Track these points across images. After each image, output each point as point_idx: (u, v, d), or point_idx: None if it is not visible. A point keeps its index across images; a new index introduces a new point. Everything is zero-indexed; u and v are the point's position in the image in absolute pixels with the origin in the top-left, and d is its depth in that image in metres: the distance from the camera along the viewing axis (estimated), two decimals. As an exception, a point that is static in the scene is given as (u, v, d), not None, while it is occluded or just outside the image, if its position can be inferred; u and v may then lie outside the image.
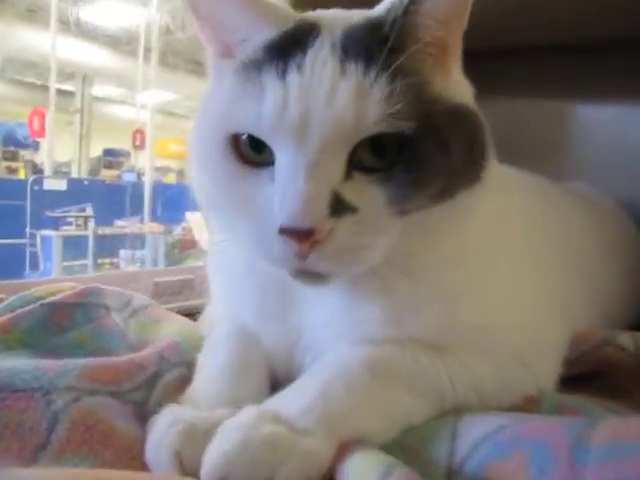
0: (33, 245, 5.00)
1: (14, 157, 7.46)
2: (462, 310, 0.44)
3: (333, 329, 0.44)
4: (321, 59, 0.38)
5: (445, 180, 0.40)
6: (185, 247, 4.93)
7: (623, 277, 0.78)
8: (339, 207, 0.37)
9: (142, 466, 0.39)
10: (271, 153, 0.39)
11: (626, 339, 0.57)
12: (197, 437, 0.37)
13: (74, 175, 7.75)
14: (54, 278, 1.34)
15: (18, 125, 7.52)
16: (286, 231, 0.36)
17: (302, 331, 0.46)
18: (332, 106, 0.37)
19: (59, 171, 7.63)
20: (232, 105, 0.39)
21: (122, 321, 0.54)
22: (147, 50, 7.08)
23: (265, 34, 0.40)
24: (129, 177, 7.35)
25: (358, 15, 0.42)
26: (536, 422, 0.38)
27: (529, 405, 0.47)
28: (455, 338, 0.44)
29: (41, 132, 6.58)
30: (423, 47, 0.40)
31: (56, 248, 4.77)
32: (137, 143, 7.25)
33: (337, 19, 0.42)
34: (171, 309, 0.63)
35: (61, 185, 5.55)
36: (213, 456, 0.34)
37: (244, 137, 0.39)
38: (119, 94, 9.57)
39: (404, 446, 0.39)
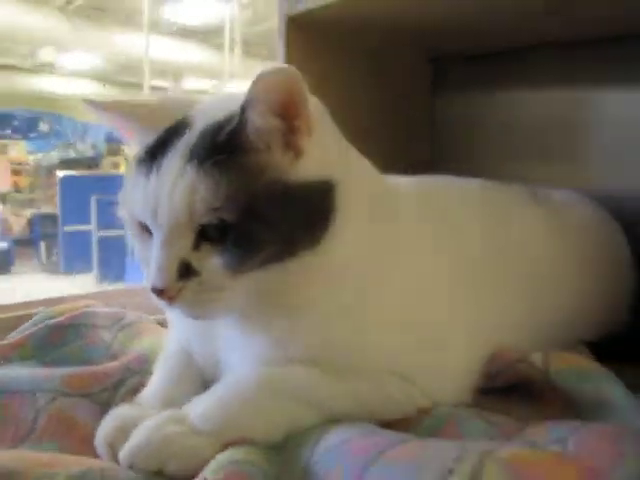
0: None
1: (116, 152, 8.08)
2: (334, 335, 0.52)
3: (236, 353, 0.55)
4: (171, 161, 0.48)
5: (275, 247, 0.48)
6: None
7: (589, 290, 0.78)
8: (187, 272, 0.48)
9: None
10: None
11: (537, 357, 0.62)
12: (127, 431, 0.49)
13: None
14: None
15: (119, 123, 8.11)
16: (151, 289, 0.48)
17: (220, 353, 0.57)
18: (171, 202, 0.47)
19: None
20: (130, 193, 0.51)
21: (110, 335, 0.69)
22: (231, 42, 7.34)
23: (150, 137, 0.51)
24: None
25: (224, 111, 0.50)
26: (371, 439, 0.45)
27: (421, 415, 0.54)
28: (332, 358, 0.52)
29: (139, 128, 7.08)
30: (256, 145, 0.48)
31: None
32: (225, 134, 7.59)
33: (208, 113, 0.51)
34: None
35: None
36: (125, 448, 0.47)
37: None
38: (207, 86, 10.00)
39: (281, 446, 0.48)
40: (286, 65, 0.46)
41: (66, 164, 6.91)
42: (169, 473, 0.46)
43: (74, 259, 5.57)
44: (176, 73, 9.26)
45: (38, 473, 0.43)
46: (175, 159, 0.48)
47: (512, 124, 1.26)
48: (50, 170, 7.05)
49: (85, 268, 5.31)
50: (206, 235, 0.48)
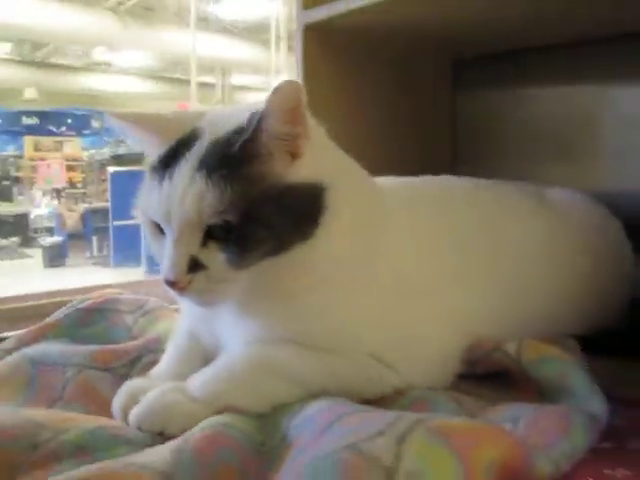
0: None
1: (165, 149, 8.31)
2: (318, 324, 0.59)
3: (234, 335, 0.62)
4: (182, 170, 0.54)
5: (272, 243, 0.54)
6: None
7: (586, 286, 0.80)
8: (196, 266, 0.55)
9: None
10: None
11: (511, 346, 0.66)
12: (137, 399, 0.57)
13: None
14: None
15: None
16: (164, 280, 0.56)
17: (221, 335, 0.64)
18: (182, 206, 0.54)
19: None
20: (145, 197, 0.58)
21: (132, 319, 0.79)
22: (277, 38, 7.44)
23: (162, 148, 0.58)
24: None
25: (231, 124, 0.56)
26: (337, 410, 0.51)
27: (397, 395, 0.61)
28: (316, 343, 0.59)
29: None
30: (263, 153, 0.54)
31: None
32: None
33: (216, 126, 0.57)
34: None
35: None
36: (133, 412, 0.56)
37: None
38: (255, 82, 10.17)
39: (267, 416, 0.56)
40: (292, 79, 0.54)
41: (117, 160, 7.15)
42: (169, 433, 0.54)
43: (123, 252, 5.81)
44: (224, 69, 9.47)
45: (60, 426, 0.52)
46: (186, 168, 0.55)
47: (533, 124, 1.28)
48: (102, 166, 7.34)
49: (134, 261, 5.53)
50: (212, 234, 0.55)
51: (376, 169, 0.74)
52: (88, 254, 6.67)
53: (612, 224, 0.93)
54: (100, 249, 6.60)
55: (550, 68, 1.23)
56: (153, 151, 0.60)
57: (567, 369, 0.63)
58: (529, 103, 1.30)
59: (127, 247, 5.68)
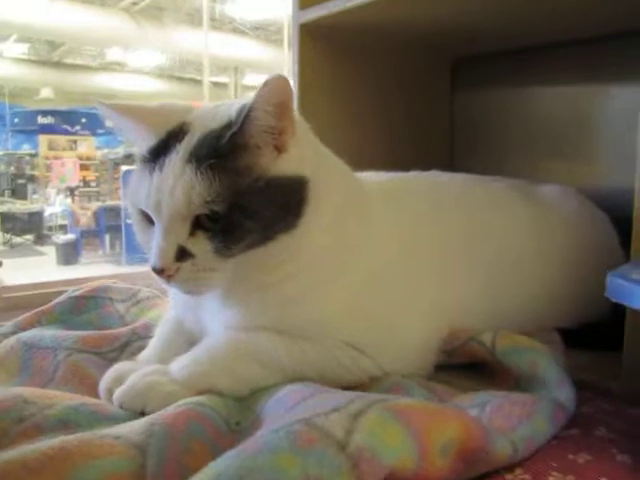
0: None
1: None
2: (299, 311, 0.61)
3: (217, 321, 0.65)
4: (172, 162, 0.56)
5: (257, 233, 0.56)
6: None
7: (570, 279, 0.82)
8: (184, 255, 0.57)
9: (102, 396, 0.65)
10: None
11: (486, 336, 0.67)
12: (122, 380, 0.60)
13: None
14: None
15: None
16: (152, 268, 0.58)
17: (205, 322, 0.67)
18: (172, 197, 0.56)
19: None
20: (135, 187, 0.60)
21: (124, 308, 0.82)
22: (289, 38, 7.42)
23: (152, 140, 0.60)
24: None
25: (219, 119, 0.58)
26: (307, 390, 0.54)
27: (373, 382, 0.62)
28: (295, 330, 0.61)
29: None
30: (251, 145, 0.56)
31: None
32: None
33: (204, 120, 0.59)
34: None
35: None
36: (117, 392, 0.58)
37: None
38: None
39: (243, 398, 0.58)
40: (281, 74, 0.55)
41: (131, 159, 7.18)
42: (149, 412, 0.56)
43: (136, 250, 5.83)
44: (237, 69, 9.52)
45: (45, 402, 0.55)
46: (176, 160, 0.57)
47: (531, 122, 1.30)
48: (116, 165, 7.40)
49: (146, 259, 5.55)
50: (200, 224, 0.57)
51: (372, 167, 0.76)
52: (101, 252, 6.73)
53: (600, 219, 0.94)
54: (113, 247, 6.66)
55: (548, 67, 1.25)
56: (142, 142, 0.62)
57: (539, 359, 0.64)
58: (527, 102, 1.31)
59: (139, 245, 5.72)
